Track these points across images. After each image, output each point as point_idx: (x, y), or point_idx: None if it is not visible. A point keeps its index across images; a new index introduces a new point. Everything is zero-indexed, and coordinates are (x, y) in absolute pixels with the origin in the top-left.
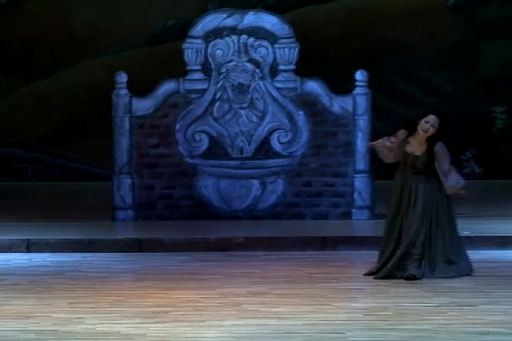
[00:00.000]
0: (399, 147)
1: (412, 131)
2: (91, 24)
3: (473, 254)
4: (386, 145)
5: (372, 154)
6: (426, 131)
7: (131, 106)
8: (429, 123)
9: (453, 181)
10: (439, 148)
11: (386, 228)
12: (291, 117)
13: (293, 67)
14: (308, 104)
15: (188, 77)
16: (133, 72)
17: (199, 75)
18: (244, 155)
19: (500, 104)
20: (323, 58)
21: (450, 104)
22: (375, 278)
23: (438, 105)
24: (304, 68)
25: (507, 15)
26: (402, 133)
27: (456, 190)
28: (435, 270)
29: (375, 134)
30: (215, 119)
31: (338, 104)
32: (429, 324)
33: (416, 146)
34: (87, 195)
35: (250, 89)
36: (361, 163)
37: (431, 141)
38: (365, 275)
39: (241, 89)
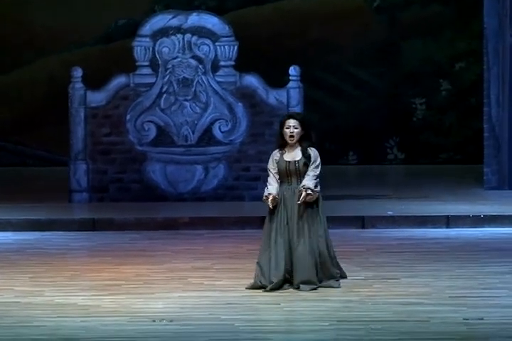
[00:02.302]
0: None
1: (283, 144)
2: (49, 25)
3: (396, 232)
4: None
5: None
6: (292, 136)
7: (85, 98)
8: (290, 128)
9: (311, 183)
10: (314, 151)
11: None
12: (231, 108)
13: (232, 63)
14: (247, 96)
15: (138, 72)
16: (87, 67)
17: (147, 70)
18: (189, 142)
19: (419, 96)
20: (260, 55)
21: (375, 97)
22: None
23: (364, 98)
24: (242, 64)
25: (424, 17)
26: (274, 154)
27: (313, 193)
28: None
29: None
30: (162, 110)
31: (273, 97)
32: (357, 295)
33: (292, 153)
34: (46, 179)
35: (194, 83)
36: None
37: (301, 142)
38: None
39: (185, 83)
